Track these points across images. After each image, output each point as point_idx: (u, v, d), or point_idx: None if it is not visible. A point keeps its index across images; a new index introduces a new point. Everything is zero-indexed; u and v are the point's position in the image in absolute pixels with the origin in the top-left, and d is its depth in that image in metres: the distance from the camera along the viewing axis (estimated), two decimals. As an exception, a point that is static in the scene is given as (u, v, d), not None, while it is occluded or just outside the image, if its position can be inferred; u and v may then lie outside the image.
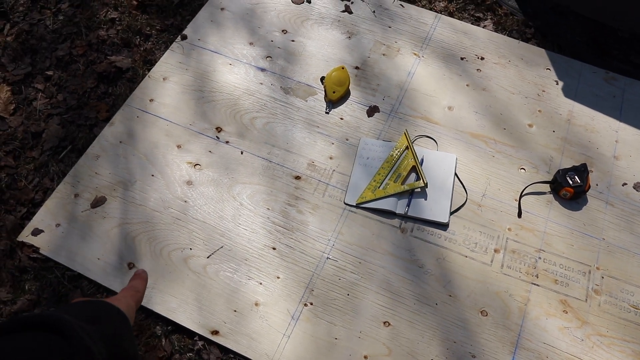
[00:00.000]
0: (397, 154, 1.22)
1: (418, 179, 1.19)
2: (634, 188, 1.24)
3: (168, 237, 1.15)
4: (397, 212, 1.16)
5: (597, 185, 1.23)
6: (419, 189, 1.18)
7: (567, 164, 1.25)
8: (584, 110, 1.34)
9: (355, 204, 1.17)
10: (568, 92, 1.37)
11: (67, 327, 0.39)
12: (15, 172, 1.24)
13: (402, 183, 1.18)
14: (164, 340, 1.07)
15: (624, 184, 1.24)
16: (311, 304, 1.08)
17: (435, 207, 1.16)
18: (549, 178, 1.23)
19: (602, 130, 1.31)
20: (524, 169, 1.25)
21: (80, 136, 1.29)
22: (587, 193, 1.22)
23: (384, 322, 1.06)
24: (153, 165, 1.24)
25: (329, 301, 1.08)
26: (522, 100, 1.35)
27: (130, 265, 1.11)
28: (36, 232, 1.15)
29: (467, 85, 1.36)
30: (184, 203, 1.19)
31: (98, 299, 0.52)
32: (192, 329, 1.06)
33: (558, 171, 1.21)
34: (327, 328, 1.05)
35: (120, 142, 1.27)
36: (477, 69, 1.39)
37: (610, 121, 1.33)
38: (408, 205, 1.16)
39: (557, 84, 1.38)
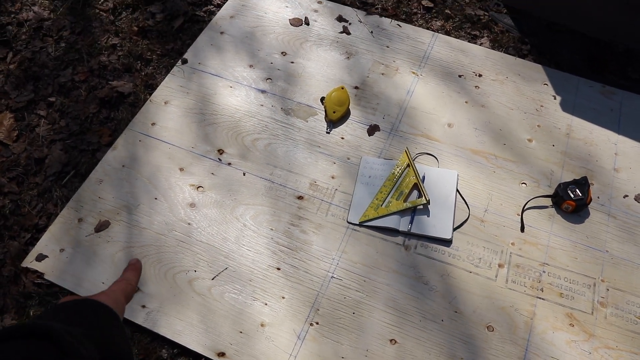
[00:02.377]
0: (398, 172, 1.23)
1: (420, 196, 1.19)
2: (635, 200, 1.24)
3: (172, 259, 1.15)
4: (400, 229, 1.16)
5: (598, 197, 1.24)
6: (421, 206, 1.18)
7: (568, 178, 1.25)
8: (582, 124, 1.35)
9: (358, 223, 1.18)
10: (566, 107, 1.38)
11: (56, 334, 0.39)
12: (19, 198, 1.24)
13: (405, 200, 1.19)
14: (170, 363, 1.06)
15: (625, 196, 1.24)
16: (317, 323, 1.07)
17: (438, 223, 1.17)
18: (550, 192, 1.24)
19: (601, 143, 1.32)
20: (525, 183, 1.25)
21: (83, 161, 1.29)
22: (588, 206, 1.22)
23: (391, 340, 1.06)
24: (156, 189, 1.24)
25: (334, 320, 1.08)
26: (521, 115, 1.36)
27: (136, 290, 1.11)
28: (40, 257, 1.16)
29: (465, 102, 1.38)
30: (188, 225, 1.19)
31: (86, 297, 0.51)
32: (198, 351, 1.05)
33: (559, 185, 1.21)
34: (334, 347, 1.05)
35: (123, 166, 1.28)
36: (475, 86, 1.41)
37: (609, 134, 1.34)
38: (411, 222, 1.17)
39: (555, 98, 1.39)
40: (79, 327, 0.44)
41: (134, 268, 0.60)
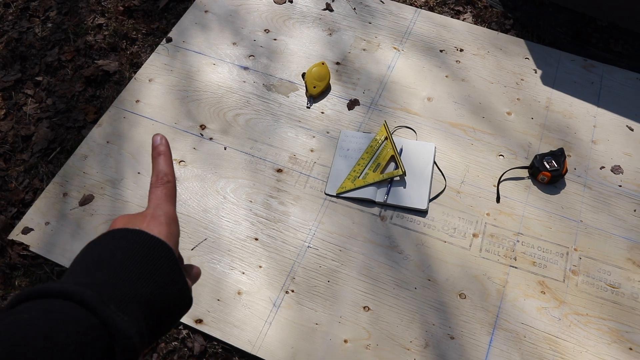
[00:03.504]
0: (376, 145, 1.24)
1: (397, 167, 1.21)
2: (612, 171, 1.25)
3: (154, 231, 1.18)
4: (376, 200, 1.18)
5: (575, 169, 1.25)
6: (397, 178, 1.20)
7: (546, 150, 1.26)
8: (562, 97, 1.36)
9: (335, 194, 1.20)
10: (547, 80, 1.39)
11: (90, 301, 0.33)
12: (6, 174, 1.27)
13: (382, 172, 1.21)
14: (150, 331, 1.09)
15: (602, 167, 1.25)
16: (292, 291, 1.10)
17: (414, 194, 1.18)
18: (528, 164, 1.25)
19: (580, 115, 1.33)
20: (502, 155, 1.27)
21: (69, 138, 1.32)
22: (565, 177, 1.23)
23: (364, 307, 1.08)
24: (139, 164, 1.27)
25: (309, 288, 1.10)
26: (501, 89, 1.37)
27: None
28: (26, 230, 1.19)
29: (446, 76, 1.39)
30: (170, 198, 1.22)
31: (140, 230, 0.38)
32: (177, 319, 1.08)
33: (535, 156, 1.22)
34: (308, 314, 1.07)
35: (108, 142, 1.31)
36: (457, 61, 1.42)
37: (589, 107, 1.34)
38: (387, 193, 1.18)
39: (536, 72, 1.40)
40: (125, 281, 0.35)
41: (164, 152, 0.45)
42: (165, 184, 0.43)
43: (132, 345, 0.33)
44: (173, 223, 0.41)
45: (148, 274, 0.36)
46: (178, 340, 1.08)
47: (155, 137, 0.45)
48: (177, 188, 1.19)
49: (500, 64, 1.41)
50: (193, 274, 0.45)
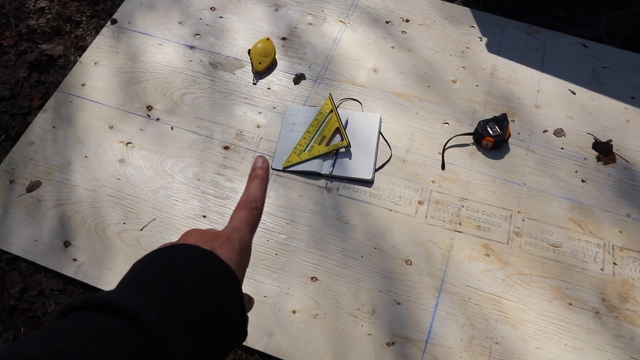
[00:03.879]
0: (322, 118, 1.25)
1: (342, 139, 1.22)
2: (554, 134, 1.27)
3: (102, 213, 1.18)
4: (322, 172, 1.19)
5: (518, 134, 1.27)
6: (342, 149, 1.21)
7: (490, 116, 1.28)
8: (507, 63, 1.38)
9: (282, 168, 1.21)
10: (492, 48, 1.40)
11: (147, 325, 0.29)
12: (-49, 163, 1.26)
13: (327, 145, 1.22)
14: (101, 312, 1.10)
15: (545, 131, 1.28)
16: (241, 266, 1.11)
17: (359, 165, 1.20)
18: (472, 130, 1.27)
19: (524, 81, 1.35)
20: (447, 123, 1.28)
21: (14, 125, 1.31)
22: (509, 142, 1.25)
23: (312, 278, 1.10)
24: (86, 147, 1.26)
25: (258, 262, 1.11)
26: (447, 58, 1.38)
27: (67, 244, 1.14)
28: (-27, 219, 1.18)
29: (392, 47, 1.39)
30: (117, 180, 1.22)
31: (206, 250, 0.35)
32: (127, 298, 1.09)
33: (479, 122, 1.24)
34: (257, 287, 1.09)
35: (54, 127, 1.29)
36: (402, 31, 1.42)
37: (533, 72, 1.36)
38: (333, 165, 1.19)
39: (481, 40, 1.41)
40: (187, 306, 0.32)
41: (260, 178, 0.42)
42: (252, 209, 0.41)
43: None
44: (246, 251, 0.39)
45: (212, 302, 0.33)
46: (129, 319, 1.09)
47: (258, 159, 0.43)
48: (125, 169, 1.19)
49: (446, 33, 1.42)
50: (250, 304, 0.42)
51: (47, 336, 0.27)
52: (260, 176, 0.42)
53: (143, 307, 0.30)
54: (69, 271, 1.12)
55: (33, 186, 1.22)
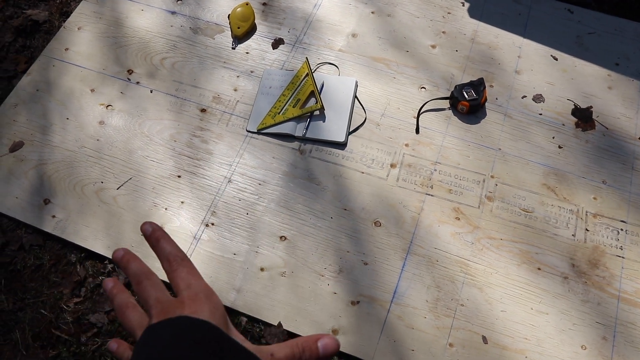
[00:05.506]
0: (297, 81, 1.26)
1: (316, 102, 1.23)
2: (533, 100, 1.26)
3: (81, 173, 1.20)
4: (296, 135, 1.20)
5: (496, 99, 1.26)
6: (317, 112, 1.22)
7: (468, 81, 1.27)
8: (489, 29, 1.36)
9: (256, 130, 1.22)
10: (474, 13, 1.38)
11: None
12: (-63, 124, 1.29)
13: (301, 108, 1.22)
14: (78, 266, 1.13)
15: (524, 97, 1.27)
16: (212, 224, 1.13)
17: (333, 128, 1.20)
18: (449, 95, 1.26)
19: (505, 47, 1.33)
20: (424, 87, 1.28)
21: (0, 88, 1.34)
22: (486, 107, 1.25)
23: (281, 237, 1.11)
24: (68, 110, 1.29)
25: (229, 221, 1.13)
26: (427, 23, 1.37)
27: (46, 201, 1.17)
28: (-44, 177, 1.21)
29: (372, 12, 1.39)
30: (97, 141, 1.24)
31: (203, 322, 0.35)
32: (102, 253, 1.12)
33: (455, 87, 1.24)
34: (227, 245, 1.11)
35: (37, 90, 1.32)
36: (384, -3, 1.41)
37: (514, 38, 1.35)
38: (306, 128, 1.20)
39: (464, 5, 1.40)
40: None
41: (162, 236, 0.42)
42: (181, 263, 0.39)
43: None
44: (213, 296, 0.38)
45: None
46: (105, 274, 1.12)
47: (145, 227, 0.41)
48: (105, 131, 1.21)
49: (428, -2, 1.41)
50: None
51: None
52: (161, 236, 0.41)
53: None
54: (48, 227, 1.15)
55: (16, 146, 1.25)
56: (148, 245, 0.41)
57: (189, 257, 0.40)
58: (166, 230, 1.11)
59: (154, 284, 0.39)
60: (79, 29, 1.40)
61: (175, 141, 1.23)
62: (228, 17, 1.37)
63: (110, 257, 1.11)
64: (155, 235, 0.41)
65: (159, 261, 0.40)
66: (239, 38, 1.34)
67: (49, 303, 1.09)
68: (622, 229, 1.11)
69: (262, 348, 0.36)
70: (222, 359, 0.32)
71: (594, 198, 1.15)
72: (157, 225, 0.42)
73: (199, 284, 0.38)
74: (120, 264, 0.41)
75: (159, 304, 0.37)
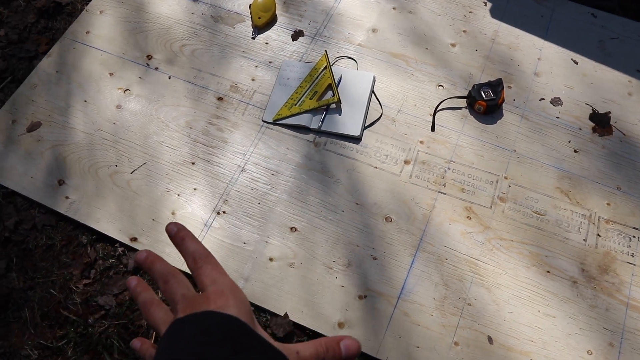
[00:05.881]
0: (315, 74, 1.26)
1: (333, 95, 1.23)
2: (551, 103, 1.25)
3: (97, 156, 1.22)
4: (311, 127, 1.20)
5: (514, 100, 1.25)
6: (333, 105, 1.22)
7: (486, 81, 1.27)
8: (510, 29, 1.35)
9: (272, 121, 1.22)
10: (496, 13, 1.38)
11: None
12: (-42, 100, 1.31)
13: (318, 100, 1.22)
14: (89, 248, 1.14)
15: (542, 99, 1.26)
16: (224, 212, 1.14)
17: (348, 122, 1.20)
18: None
19: (525, 48, 1.32)
20: (442, 86, 1.27)
21: (20, 68, 1.35)
22: (503, 108, 1.24)
23: (291, 228, 1.12)
24: (86, 92, 1.30)
25: (240, 209, 1.14)
26: (448, 21, 1.36)
27: (60, 182, 1.18)
28: (-25, 153, 1.23)
29: (393, 8, 1.38)
30: (113, 125, 1.25)
31: (231, 317, 0.35)
32: (114, 236, 1.13)
33: (473, 86, 1.23)
34: (237, 233, 1.11)
35: (57, 72, 1.33)
36: (406, -7, 1.41)
37: (535, 40, 1.34)
38: (322, 120, 1.20)
39: (486, 5, 1.39)
40: None
41: (187, 235, 0.42)
42: (206, 260, 0.39)
43: None
44: (238, 291, 0.38)
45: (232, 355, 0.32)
46: (115, 257, 1.13)
47: (170, 227, 0.42)
48: (122, 114, 1.23)
49: (450, -4, 1.40)
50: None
51: None
52: (185, 235, 0.41)
53: None
54: (61, 208, 1.16)
55: (33, 126, 1.27)
56: (166, 235, 0.42)
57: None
58: (177, 216, 1.12)
59: (180, 282, 0.39)
60: (100, 12, 1.41)
61: (190, 128, 1.23)
62: (249, 6, 1.37)
63: (121, 239, 1.13)
64: (180, 235, 0.41)
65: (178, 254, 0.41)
66: (259, 28, 1.34)
67: (58, 283, 1.11)
68: (634, 236, 1.11)
69: (287, 346, 0.36)
70: (250, 355, 0.33)
71: (608, 204, 1.15)
72: (181, 225, 0.42)
73: (225, 280, 0.38)
74: (144, 266, 0.41)
75: (185, 299, 0.37)
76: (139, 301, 0.40)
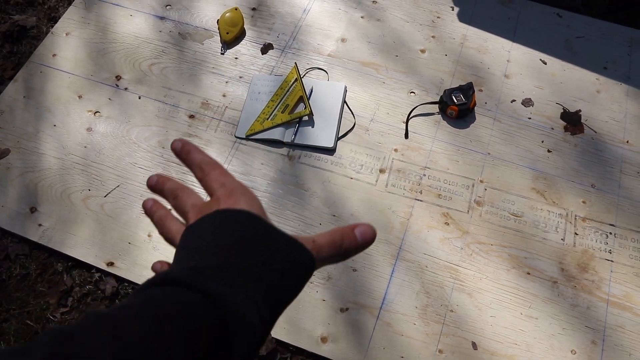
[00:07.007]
0: (286, 87, 1.25)
1: (305, 108, 1.22)
2: (522, 104, 1.26)
3: (68, 180, 1.19)
4: (284, 140, 1.19)
5: (485, 103, 1.26)
6: (305, 117, 1.21)
7: (457, 85, 1.27)
8: (478, 33, 1.36)
9: (245, 136, 1.21)
10: (463, 17, 1.38)
11: (221, 302, 0.30)
12: None
13: (290, 113, 1.22)
14: (65, 275, 1.12)
15: (513, 101, 1.27)
16: (200, 232, 1.12)
17: (321, 133, 1.20)
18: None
19: (494, 51, 1.33)
20: (414, 92, 1.27)
21: (-14, 94, 1.33)
22: (475, 111, 1.24)
23: (269, 244, 1.10)
24: (55, 116, 1.28)
25: (217, 228, 1.12)
26: (416, 27, 1.37)
27: (32, 209, 1.16)
28: (-58, 185, 1.20)
29: (361, 17, 1.38)
30: (84, 148, 1.23)
31: (224, 209, 0.36)
32: (89, 262, 1.11)
33: (444, 91, 1.23)
34: (214, 252, 1.10)
35: (24, 97, 1.31)
36: (373, 1, 1.41)
37: (504, 42, 1.35)
38: (295, 133, 1.20)
39: (453, 9, 1.40)
40: (234, 261, 0.32)
41: (192, 148, 0.41)
42: (213, 167, 0.40)
43: (252, 330, 0.30)
44: (249, 191, 0.38)
45: (248, 248, 0.33)
46: (92, 283, 1.11)
47: (175, 144, 0.41)
48: (92, 138, 1.21)
49: (416, 2, 1.41)
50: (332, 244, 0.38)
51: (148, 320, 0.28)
52: (191, 148, 0.41)
53: (216, 290, 0.30)
54: (34, 236, 1.14)
55: (2, 154, 1.24)
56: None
57: None
58: (154, 238, 1.11)
59: (189, 194, 0.39)
60: (66, 34, 1.39)
61: (163, 148, 1.22)
62: (217, 22, 1.36)
63: (97, 265, 1.11)
64: (185, 149, 0.41)
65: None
66: (228, 43, 1.33)
67: (34, 313, 1.08)
68: (610, 233, 1.11)
69: (302, 236, 0.36)
70: (267, 245, 0.33)
71: (583, 202, 1.15)
72: (186, 140, 0.41)
73: (233, 181, 0.38)
74: (155, 188, 0.41)
75: (195, 207, 0.37)
76: (155, 219, 0.41)
